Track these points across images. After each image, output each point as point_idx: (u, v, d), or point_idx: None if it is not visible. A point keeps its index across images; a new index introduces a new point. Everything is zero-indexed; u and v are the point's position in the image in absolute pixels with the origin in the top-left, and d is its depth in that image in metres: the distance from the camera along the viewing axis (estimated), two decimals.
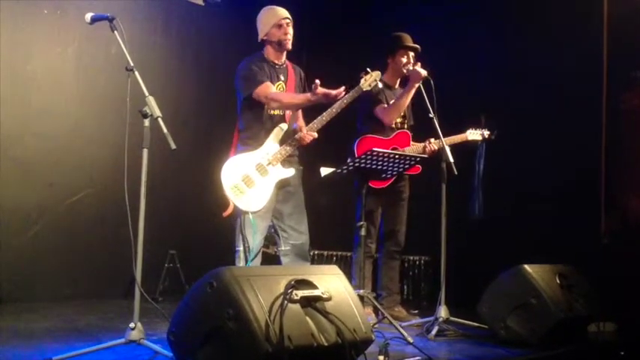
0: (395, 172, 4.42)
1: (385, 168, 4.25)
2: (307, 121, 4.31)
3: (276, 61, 4.30)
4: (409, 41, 4.97)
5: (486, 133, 5.05)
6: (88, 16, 3.49)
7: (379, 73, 4.37)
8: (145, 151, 3.31)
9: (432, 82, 4.51)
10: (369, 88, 4.32)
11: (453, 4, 6.29)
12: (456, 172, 4.28)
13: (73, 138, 5.50)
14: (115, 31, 3.39)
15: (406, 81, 4.86)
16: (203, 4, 6.35)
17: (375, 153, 4.06)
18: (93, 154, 5.58)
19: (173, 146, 3.16)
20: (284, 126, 4.21)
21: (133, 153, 3.35)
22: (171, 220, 5.94)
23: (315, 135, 4.23)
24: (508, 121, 5.62)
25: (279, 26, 4.24)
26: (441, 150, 4.38)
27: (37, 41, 5.33)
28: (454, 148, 4.75)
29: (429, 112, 4.44)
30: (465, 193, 5.67)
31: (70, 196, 5.45)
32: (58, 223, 5.36)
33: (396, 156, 4.21)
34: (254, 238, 4.02)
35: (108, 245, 5.48)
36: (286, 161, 4.21)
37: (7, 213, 5.07)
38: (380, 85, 4.40)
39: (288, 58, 4.39)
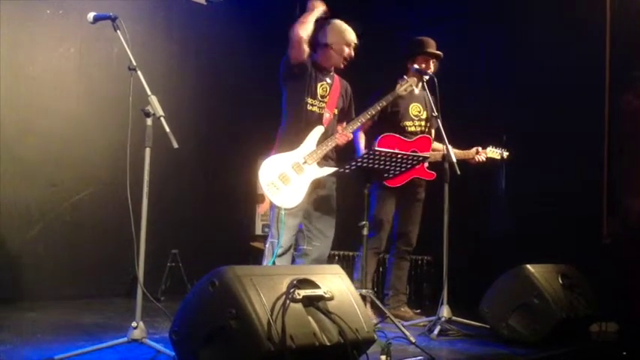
0: (398, 172, 4.41)
1: (388, 167, 4.25)
2: None
3: (326, 68, 4.41)
4: (431, 47, 4.87)
5: (505, 153, 5.02)
6: (91, 15, 3.48)
7: (415, 79, 4.57)
8: (148, 150, 3.31)
9: (435, 81, 4.50)
10: (404, 93, 4.52)
11: (455, 5, 6.29)
12: (458, 172, 4.29)
13: (75, 137, 5.50)
14: (118, 31, 3.39)
15: (426, 84, 4.85)
16: (205, 3, 6.35)
17: (377, 152, 4.08)
18: (95, 153, 5.58)
19: (175, 145, 3.16)
20: (322, 128, 4.30)
21: (135, 152, 3.35)
22: (174, 219, 5.94)
23: (351, 136, 4.39)
24: (509, 120, 5.63)
25: (349, 45, 4.38)
26: (445, 150, 4.41)
27: (40, 41, 5.33)
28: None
29: (433, 112, 4.45)
30: (476, 205, 5.68)
31: (72, 196, 5.45)
32: (60, 223, 5.37)
33: (398, 155, 4.21)
34: (282, 234, 4.13)
35: (110, 244, 5.48)
36: (322, 161, 4.29)
37: (9, 212, 5.08)
38: (416, 91, 4.62)
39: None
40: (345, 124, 4.49)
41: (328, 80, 4.40)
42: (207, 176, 6.32)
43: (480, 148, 4.90)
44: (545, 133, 5.67)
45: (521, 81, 5.85)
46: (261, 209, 4.25)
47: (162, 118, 3.21)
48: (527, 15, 5.90)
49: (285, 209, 4.13)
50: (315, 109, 4.32)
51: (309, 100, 4.31)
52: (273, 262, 4.11)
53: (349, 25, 4.44)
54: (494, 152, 4.99)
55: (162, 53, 6.10)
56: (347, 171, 4.19)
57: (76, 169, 5.50)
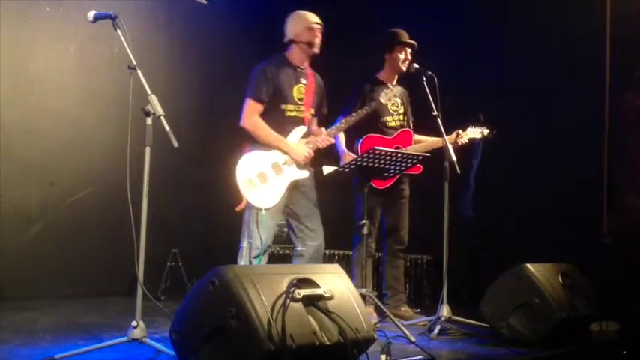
0: (397, 171, 4.42)
1: (387, 167, 4.25)
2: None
3: (299, 65, 4.31)
4: (406, 37, 4.96)
5: (485, 131, 5.02)
6: (91, 14, 3.47)
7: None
8: (148, 150, 3.31)
9: (435, 80, 4.50)
10: (388, 102, 4.63)
11: (455, 3, 6.28)
12: (458, 171, 4.29)
13: (75, 137, 5.50)
14: (118, 30, 3.39)
15: (403, 78, 4.87)
16: (205, 2, 6.34)
17: (377, 152, 4.07)
18: (95, 152, 5.58)
19: (176, 144, 3.16)
20: (304, 128, 4.24)
21: (135, 151, 3.35)
22: (174, 219, 5.94)
23: (333, 140, 4.33)
24: (509, 119, 5.62)
25: (310, 29, 4.27)
26: (445, 149, 4.40)
27: (39, 40, 5.33)
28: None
29: (433, 111, 4.45)
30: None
31: (72, 195, 5.45)
32: (60, 222, 5.37)
33: (399, 155, 4.21)
34: (261, 235, 4.02)
35: (110, 243, 5.48)
36: (301, 164, 4.21)
37: (9, 211, 5.08)
38: (393, 85, 4.64)
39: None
40: (314, 120, 4.42)
41: (303, 81, 4.29)
42: (207, 175, 6.29)
43: (460, 131, 4.89)
44: (545, 132, 5.66)
45: (522, 81, 5.84)
46: (239, 207, 4.13)
47: (162, 117, 3.21)
48: (527, 15, 5.89)
49: (264, 210, 4.02)
50: (293, 113, 4.24)
51: (286, 107, 4.22)
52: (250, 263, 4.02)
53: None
54: (474, 132, 4.99)
55: (163, 52, 6.10)
56: (347, 170, 4.19)
57: (75, 168, 5.50)
